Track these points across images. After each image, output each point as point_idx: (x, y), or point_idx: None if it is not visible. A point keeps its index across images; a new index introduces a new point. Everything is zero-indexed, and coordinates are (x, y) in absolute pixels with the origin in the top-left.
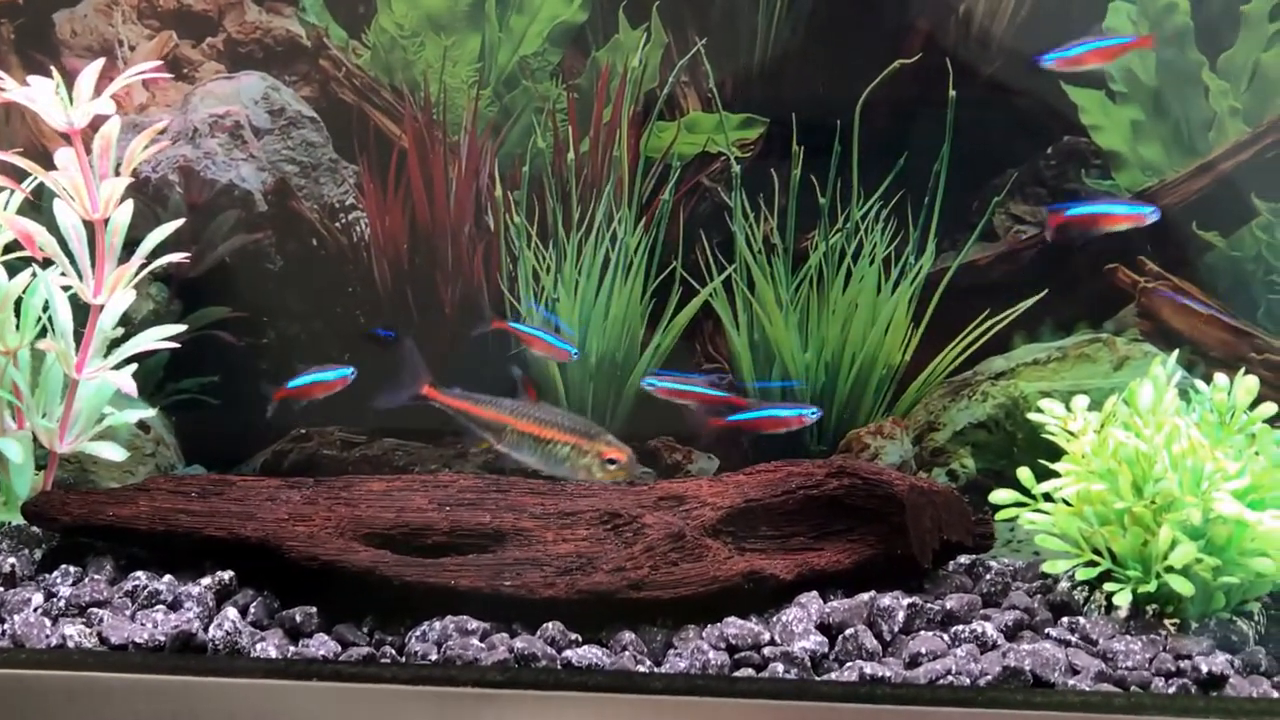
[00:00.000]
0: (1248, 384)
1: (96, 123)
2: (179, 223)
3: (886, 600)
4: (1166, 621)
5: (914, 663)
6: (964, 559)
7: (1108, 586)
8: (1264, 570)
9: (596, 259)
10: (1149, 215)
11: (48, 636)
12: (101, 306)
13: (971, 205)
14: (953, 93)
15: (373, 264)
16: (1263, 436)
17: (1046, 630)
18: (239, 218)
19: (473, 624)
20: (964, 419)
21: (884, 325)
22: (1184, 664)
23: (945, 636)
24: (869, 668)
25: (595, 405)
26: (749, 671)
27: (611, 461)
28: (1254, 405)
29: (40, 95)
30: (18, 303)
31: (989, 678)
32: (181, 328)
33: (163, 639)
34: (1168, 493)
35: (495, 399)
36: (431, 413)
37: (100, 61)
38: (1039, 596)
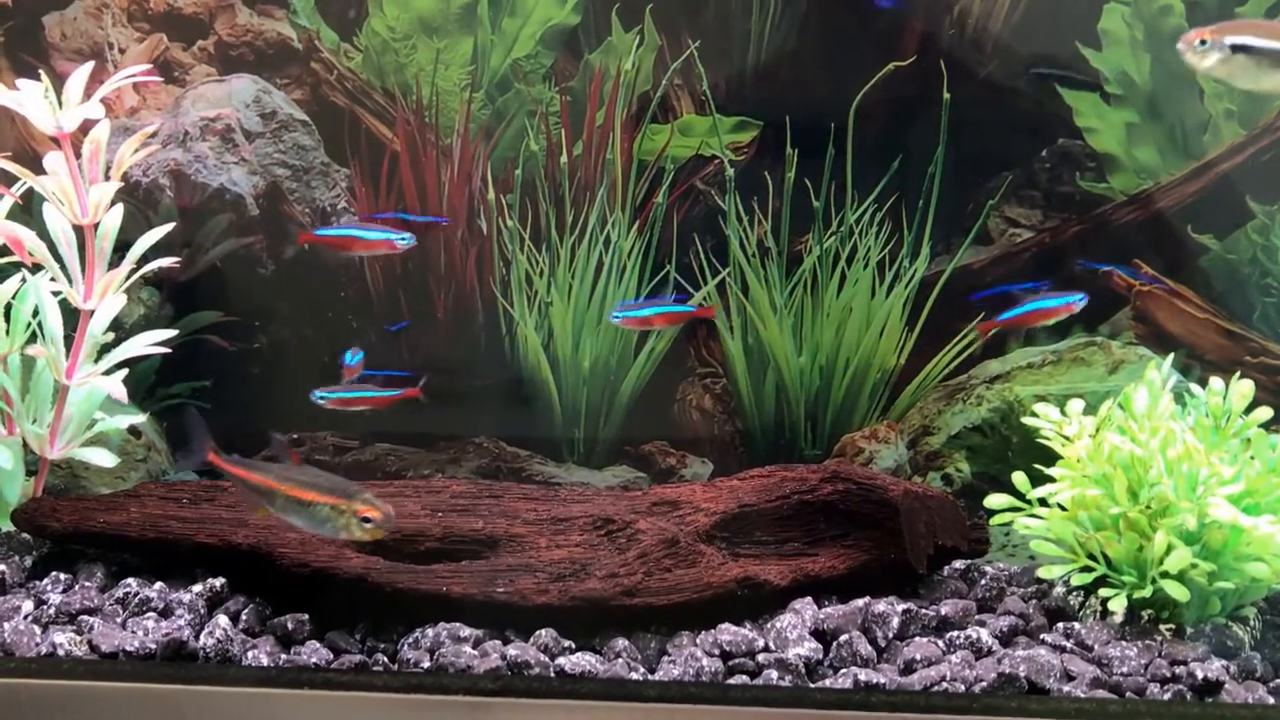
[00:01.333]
0: (1243, 388)
1: (86, 126)
2: (169, 227)
3: (881, 606)
4: (1162, 627)
5: (909, 669)
6: (959, 564)
7: (1103, 592)
8: (1259, 575)
9: (590, 262)
10: (1078, 304)
11: (38, 644)
12: (92, 312)
13: (966, 208)
14: (947, 95)
15: (365, 268)
16: (1258, 441)
17: (1042, 636)
18: (230, 221)
19: (465, 631)
20: (959, 423)
21: (878, 329)
22: (1179, 670)
23: (940, 642)
24: (864, 674)
25: (588, 409)
26: (743, 678)
27: (367, 520)
28: (1250, 409)
29: (29, 99)
30: (7, 308)
31: (984, 684)
32: (172, 333)
33: (154, 646)
34: (1163, 498)
35: (266, 465)
36: (423, 417)
37: (89, 65)
38: (1034, 602)
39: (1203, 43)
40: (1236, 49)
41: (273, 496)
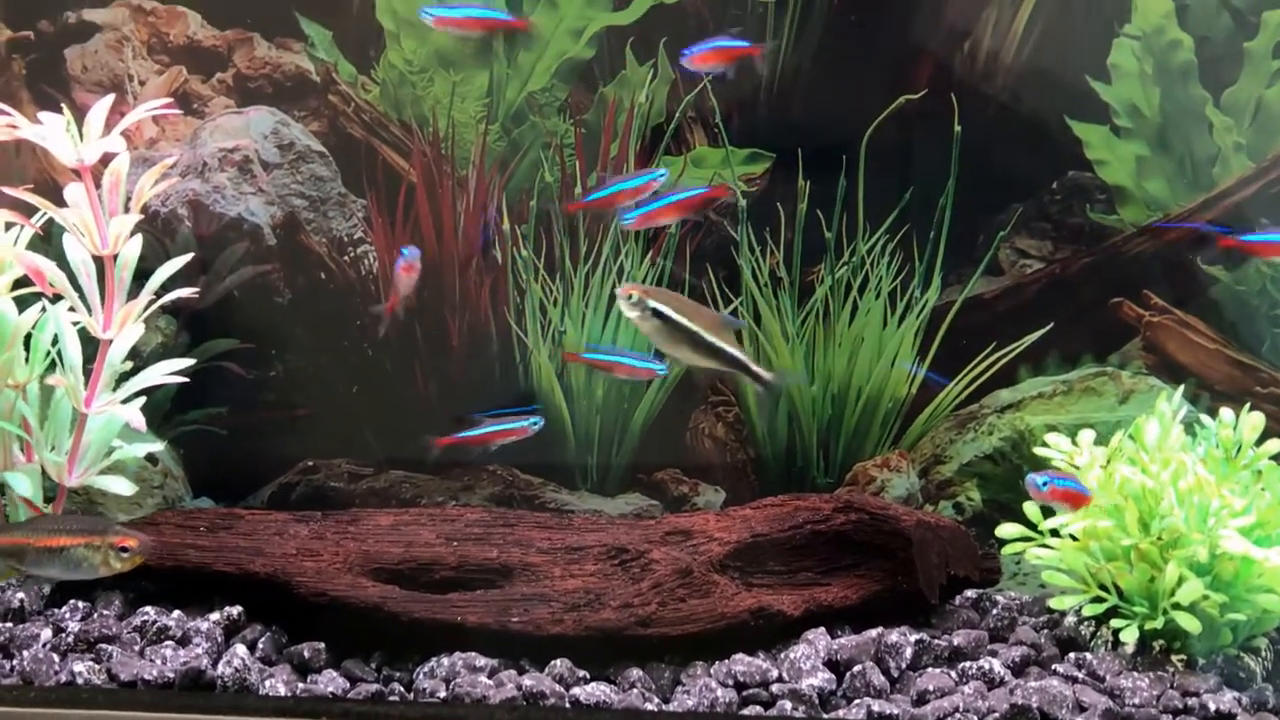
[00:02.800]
0: (1253, 420)
1: (106, 158)
2: (187, 258)
3: (894, 636)
4: (1173, 658)
5: (922, 700)
6: (971, 593)
7: (1114, 622)
8: (1271, 607)
9: (604, 292)
10: None
11: (56, 672)
12: (111, 341)
13: (977, 239)
14: (958, 128)
15: (381, 297)
16: (1269, 473)
17: (1053, 666)
18: (247, 250)
19: (481, 660)
20: (970, 452)
21: (890, 358)
22: (1191, 701)
23: (953, 673)
24: (877, 705)
25: (602, 438)
26: (757, 709)
27: (124, 549)
28: (1261, 440)
29: (51, 133)
30: (27, 337)
31: (997, 715)
32: (189, 362)
33: (172, 675)
34: (1174, 529)
35: (6, 525)
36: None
37: (110, 98)
38: (1046, 631)
39: (631, 297)
40: (656, 313)
41: (24, 553)
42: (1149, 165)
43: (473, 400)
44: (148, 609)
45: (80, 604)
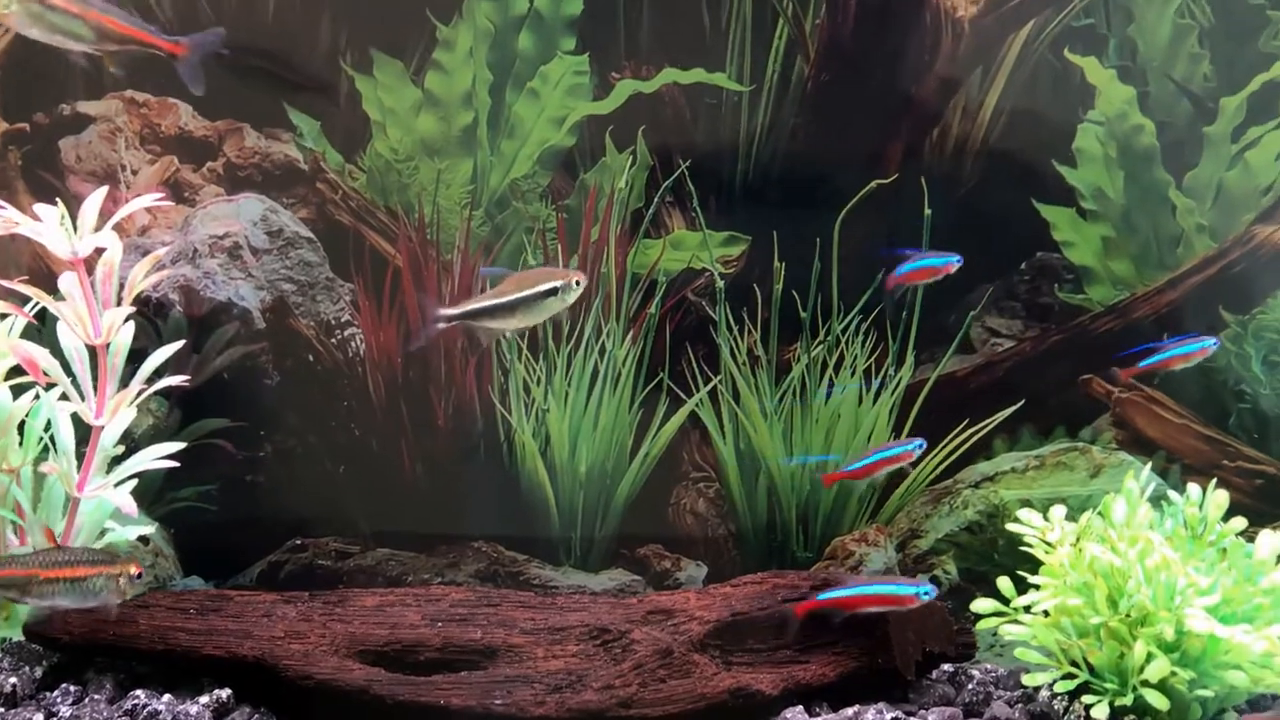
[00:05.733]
0: (1218, 499)
1: (100, 247)
2: (178, 345)
3: (870, 715)
4: None
5: None
6: (947, 667)
7: (1086, 698)
8: (1238, 683)
9: (585, 370)
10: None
11: None
12: (103, 427)
13: (949, 319)
14: (928, 211)
15: (367, 378)
16: (1234, 550)
17: None
18: (237, 333)
19: None
20: (946, 526)
21: (866, 434)
22: None
23: None
24: None
25: (585, 513)
26: None
27: (139, 576)
28: (1229, 513)
29: (46, 228)
30: (21, 423)
31: None
32: (180, 445)
33: None
34: (1142, 607)
35: (6, 557)
36: (424, 522)
37: (103, 190)
38: (1020, 706)
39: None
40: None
41: (28, 584)
42: (1114, 246)
43: (458, 479)
44: (138, 692)
45: (72, 688)
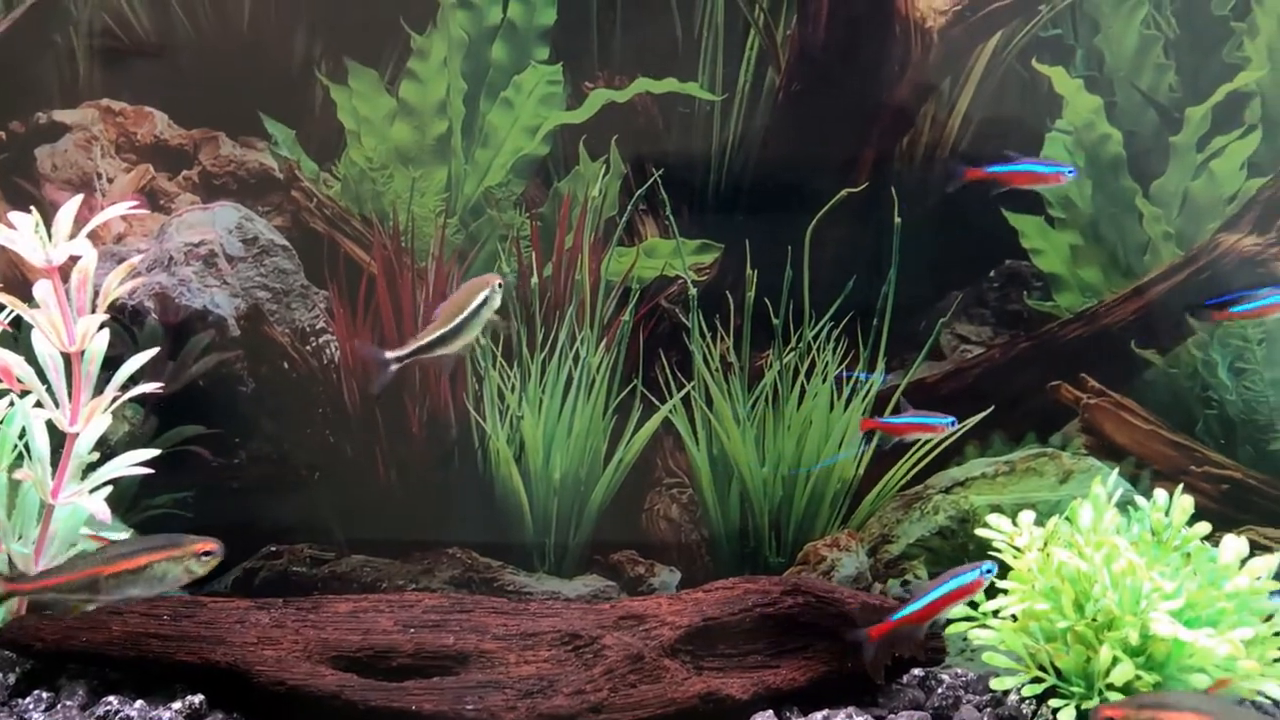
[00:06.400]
0: (1184, 503)
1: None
2: (152, 353)
3: (840, 719)
4: None
5: None
6: (918, 671)
7: (1053, 702)
8: (1202, 687)
9: (560, 378)
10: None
11: None
12: (77, 435)
13: (919, 326)
14: (898, 219)
15: (342, 385)
16: (1198, 555)
17: None
18: (212, 340)
19: None
20: (917, 531)
21: (838, 440)
22: None
23: None
24: None
25: (559, 520)
26: None
27: (207, 553)
28: (1195, 518)
29: (20, 236)
30: None
31: None
32: (155, 452)
33: None
34: (1108, 611)
35: (69, 561)
36: (399, 528)
37: (78, 199)
38: (989, 710)
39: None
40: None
41: (96, 584)
42: (1082, 254)
43: (432, 485)
44: (111, 699)
45: (44, 694)
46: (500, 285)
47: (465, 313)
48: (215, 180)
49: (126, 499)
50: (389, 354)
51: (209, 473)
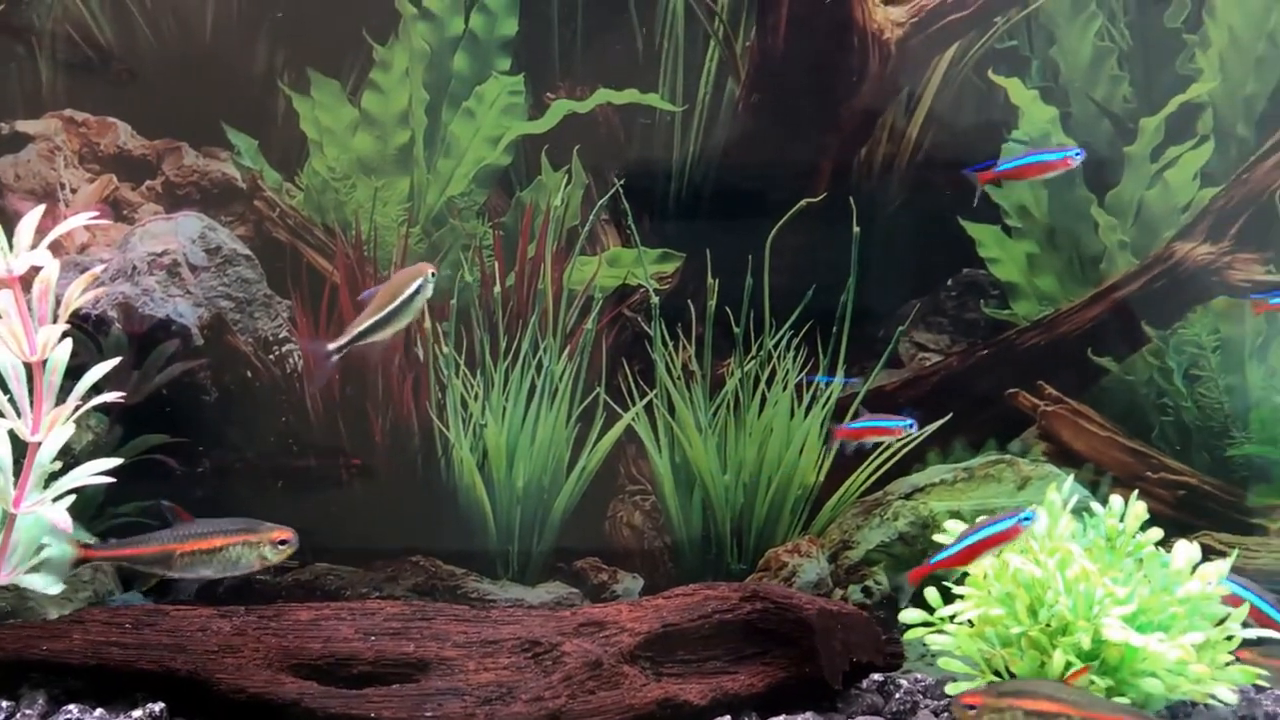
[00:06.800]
0: (1137, 509)
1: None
2: (114, 363)
3: None
4: None
5: None
6: (876, 676)
7: None
8: (1154, 690)
9: (523, 386)
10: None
11: None
12: (39, 444)
13: (878, 334)
14: (857, 229)
15: (305, 394)
16: (1150, 560)
17: None
18: (176, 349)
19: None
20: (877, 537)
21: (798, 447)
22: None
23: None
24: None
25: (522, 527)
26: None
27: (283, 542)
28: (1152, 522)
29: None
30: None
31: None
32: (117, 462)
33: None
34: (1061, 617)
35: (148, 534)
36: (362, 536)
37: (40, 209)
38: (946, 715)
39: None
40: None
41: (170, 560)
42: (1039, 262)
43: (395, 493)
44: (71, 707)
45: (4, 703)
46: (434, 275)
47: (398, 300)
48: (178, 190)
49: (92, 508)
50: (330, 345)
51: (174, 481)
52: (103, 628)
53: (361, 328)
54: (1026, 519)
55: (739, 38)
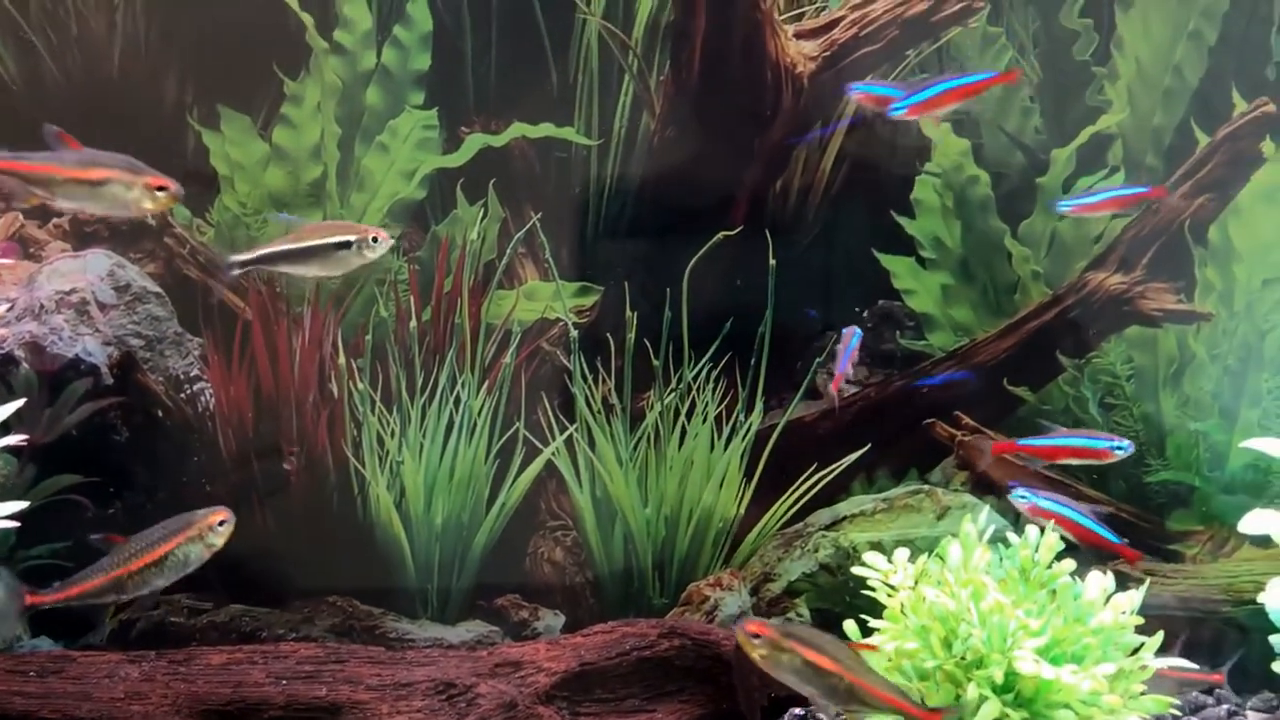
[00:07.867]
0: (1049, 541)
1: None
2: (20, 403)
3: None
4: None
5: None
6: (798, 710)
7: None
8: None
9: (440, 422)
10: None
11: None
12: None
13: (796, 365)
14: (773, 261)
15: (218, 433)
16: (1063, 592)
17: None
18: (87, 388)
19: None
20: (798, 569)
21: (719, 480)
22: None
23: None
24: None
25: (442, 565)
26: None
27: (222, 523)
28: (1066, 552)
29: None
30: None
31: None
32: (23, 504)
33: None
34: (975, 649)
35: (89, 568)
36: (278, 577)
37: None
38: None
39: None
40: None
41: (122, 585)
42: (954, 293)
43: (311, 532)
44: None
45: None
46: (376, 240)
47: (320, 242)
48: (86, 227)
49: (3, 550)
50: (234, 257)
51: (86, 523)
52: (6, 676)
53: (271, 250)
54: (1119, 448)
55: (653, 72)
